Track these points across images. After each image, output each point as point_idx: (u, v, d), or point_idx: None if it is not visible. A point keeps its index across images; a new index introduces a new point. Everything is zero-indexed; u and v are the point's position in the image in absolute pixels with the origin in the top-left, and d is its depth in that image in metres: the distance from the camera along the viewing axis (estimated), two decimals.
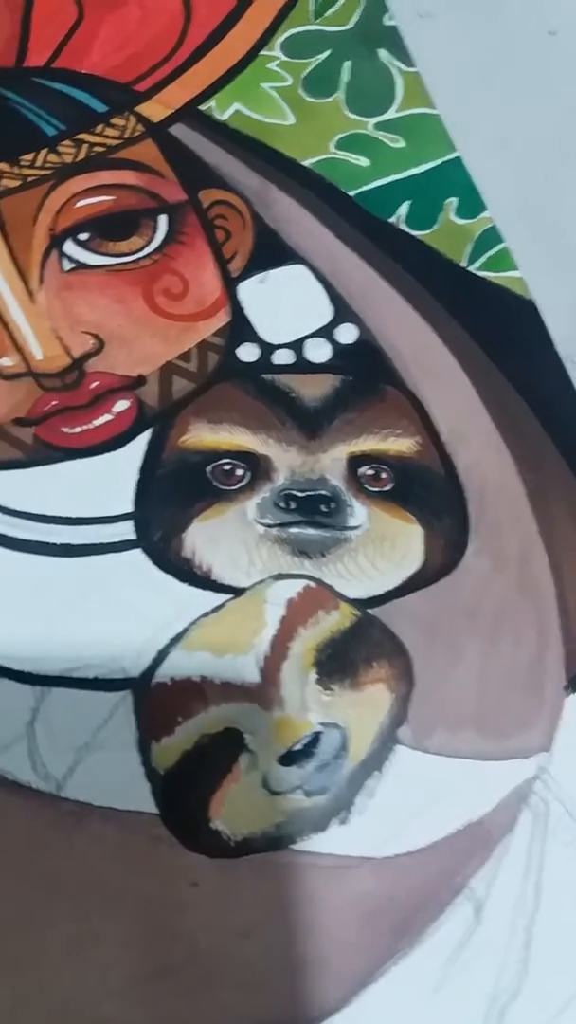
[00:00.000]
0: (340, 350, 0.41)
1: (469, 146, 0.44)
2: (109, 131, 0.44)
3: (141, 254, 0.42)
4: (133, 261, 0.42)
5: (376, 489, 0.39)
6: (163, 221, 0.42)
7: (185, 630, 0.36)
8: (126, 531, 0.38)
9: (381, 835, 0.34)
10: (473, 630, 0.37)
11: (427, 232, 0.43)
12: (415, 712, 0.36)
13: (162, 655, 0.36)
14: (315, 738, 0.35)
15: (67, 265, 0.41)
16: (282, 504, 0.38)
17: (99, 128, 0.44)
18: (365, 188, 0.44)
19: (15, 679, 0.35)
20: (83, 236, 0.42)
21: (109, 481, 0.39)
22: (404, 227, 0.43)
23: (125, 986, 0.32)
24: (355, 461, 0.39)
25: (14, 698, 0.35)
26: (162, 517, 0.38)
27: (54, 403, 0.40)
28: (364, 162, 0.44)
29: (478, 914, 0.34)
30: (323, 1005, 0.32)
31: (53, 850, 0.33)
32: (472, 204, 0.43)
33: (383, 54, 0.46)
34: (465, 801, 0.35)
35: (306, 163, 0.44)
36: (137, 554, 0.38)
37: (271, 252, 0.43)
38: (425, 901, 0.34)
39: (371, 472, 0.39)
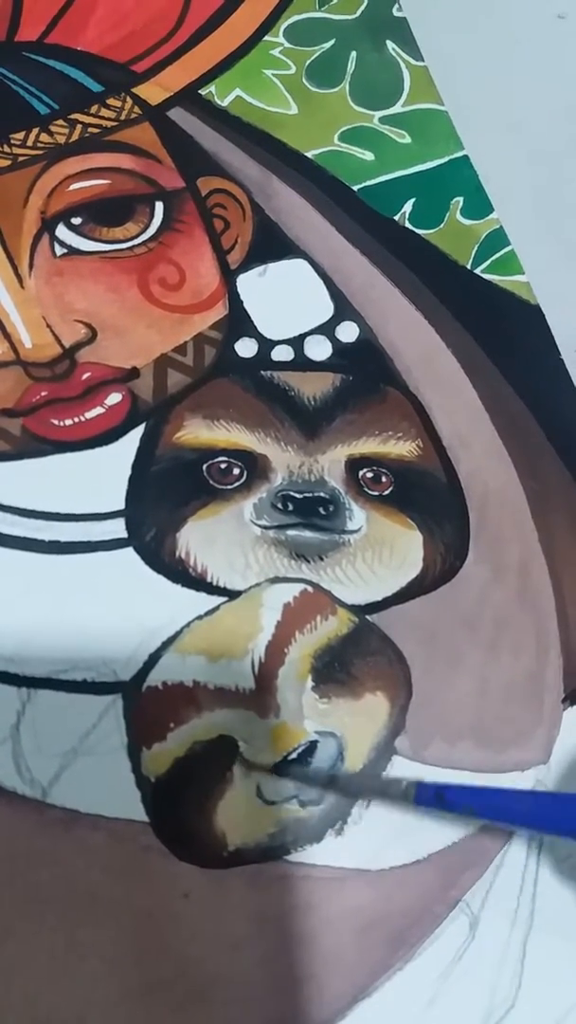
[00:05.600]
0: (340, 348, 0.43)
1: (477, 145, 0.46)
2: (104, 112, 0.45)
3: (136, 241, 0.43)
4: (128, 248, 0.43)
5: (376, 493, 0.41)
6: (159, 208, 0.44)
7: (178, 633, 0.38)
8: (117, 529, 0.39)
9: (376, 847, 0.36)
10: (472, 640, 0.39)
11: (432, 231, 0.45)
12: (413, 722, 0.38)
13: (154, 658, 0.37)
14: (311, 747, 0.37)
15: (59, 250, 0.42)
16: (280, 505, 0.40)
17: (94, 108, 0.45)
18: (369, 183, 0.46)
19: (0, 681, 0.36)
20: (76, 220, 0.43)
21: (100, 477, 0.40)
22: (408, 225, 0.45)
23: (113, 1000, 0.33)
24: (355, 463, 0.41)
25: None
26: (155, 515, 0.39)
27: (44, 394, 0.41)
28: (369, 156, 0.46)
29: (473, 928, 0.35)
30: (316, 1019, 0.34)
31: (38, 858, 0.34)
32: (479, 204, 0.45)
33: (391, 46, 0.48)
34: None
35: (309, 154, 0.46)
36: (128, 553, 0.39)
37: (271, 244, 0.44)
38: (420, 915, 0.35)
39: (371, 475, 0.41)
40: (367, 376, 0.43)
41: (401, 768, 0.37)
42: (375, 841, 0.36)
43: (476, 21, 0.50)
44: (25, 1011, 0.33)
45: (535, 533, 0.41)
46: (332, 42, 0.48)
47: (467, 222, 0.45)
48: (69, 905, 0.34)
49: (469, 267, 0.45)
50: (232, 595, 0.39)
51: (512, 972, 0.35)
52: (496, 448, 0.42)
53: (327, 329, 0.43)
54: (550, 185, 0.46)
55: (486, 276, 0.45)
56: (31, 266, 0.42)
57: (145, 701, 0.36)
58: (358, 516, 0.40)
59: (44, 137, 0.44)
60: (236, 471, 0.40)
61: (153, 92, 0.46)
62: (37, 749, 0.36)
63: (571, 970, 0.35)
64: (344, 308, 0.44)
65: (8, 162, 0.43)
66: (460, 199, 0.46)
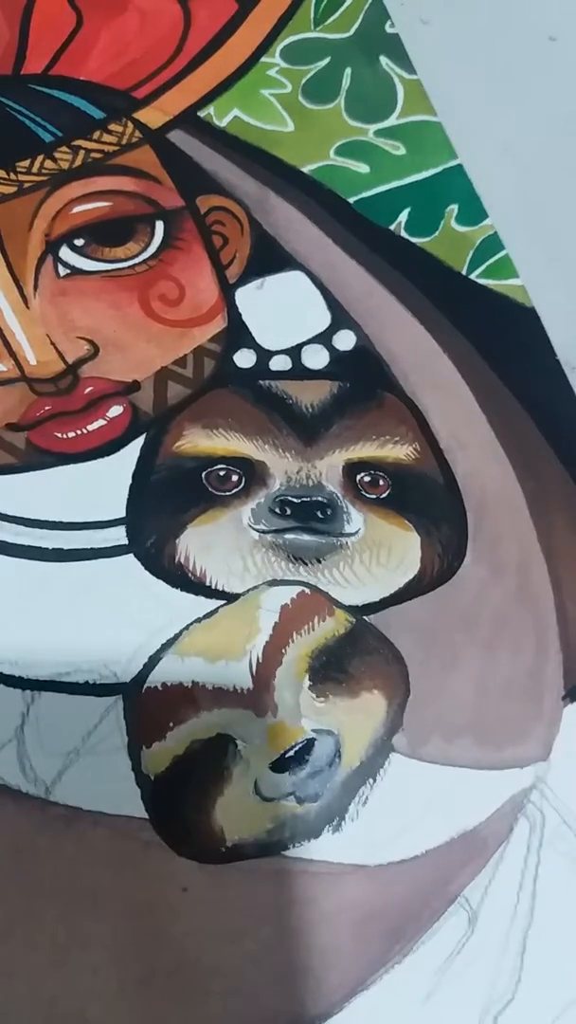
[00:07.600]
0: (338, 356, 0.44)
1: (470, 153, 0.48)
2: (106, 137, 0.47)
3: (137, 260, 0.45)
4: (129, 267, 0.45)
5: (373, 496, 0.42)
6: (160, 227, 0.46)
7: (177, 635, 0.39)
8: (118, 536, 0.41)
9: (374, 843, 0.37)
10: (471, 638, 0.40)
11: (427, 239, 0.47)
12: (411, 720, 0.39)
13: (154, 660, 0.39)
14: (308, 744, 0.38)
15: (62, 271, 0.45)
16: (277, 510, 0.41)
17: (96, 134, 0.47)
18: (365, 195, 0.47)
19: (5, 683, 0.38)
20: (79, 242, 0.45)
21: (102, 486, 0.42)
22: (404, 234, 0.47)
23: (113, 991, 0.35)
24: (352, 468, 0.42)
25: (4, 702, 0.38)
26: (155, 522, 0.41)
27: (47, 408, 0.43)
28: (364, 169, 0.48)
29: (472, 923, 0.36)
30: (314, 1012, 0.35)
31: (42, 854, 0.36)
32: (473, 211, 0.47)
33: (384, 61, 0.50)
34: (460, 810, 0.38)
35: (305, 170, 0.48)
36: (129, 559, 0.41)
37: (269, 258, 0.46)
38: (418, 909, 0.36)
39: (368, 479, 0.42)
40: (364, 383, 0.44)
41: (398, 765, 0.38)
42: (373, 837, 0.37)
43: (471, 44, 0.51)
44: (28, 1001, 0.35)
45: (534, 532, 0.42)
46: (327, 60, 0.50)
47: (462, 229, 0.47)
48: (71, 899, 0.36)
49: (464, 273, 0.46)
50: (231, 598, 0.40)
51: (512, 966, 0.36)
52: (493, 449, 0.43)
53: (324, 338, 0.45)
54: (541, 199, 0.48)
55: (481, 281, 0.46)
56: (36, 287, 0.44)
57: (145, 702, 0.38)
58: (356, 519, 0.41)
59: (48, 163, 0.46)
60: (235, 478, 0.42)
61: (153, 116, 0.48)
62: (41, 749, 0.37)
63: (571, 964, 0.36)
64: (341, 317, 0.45)
65: (14, 189, 0.46)
66: (455, 207, 0.47)
